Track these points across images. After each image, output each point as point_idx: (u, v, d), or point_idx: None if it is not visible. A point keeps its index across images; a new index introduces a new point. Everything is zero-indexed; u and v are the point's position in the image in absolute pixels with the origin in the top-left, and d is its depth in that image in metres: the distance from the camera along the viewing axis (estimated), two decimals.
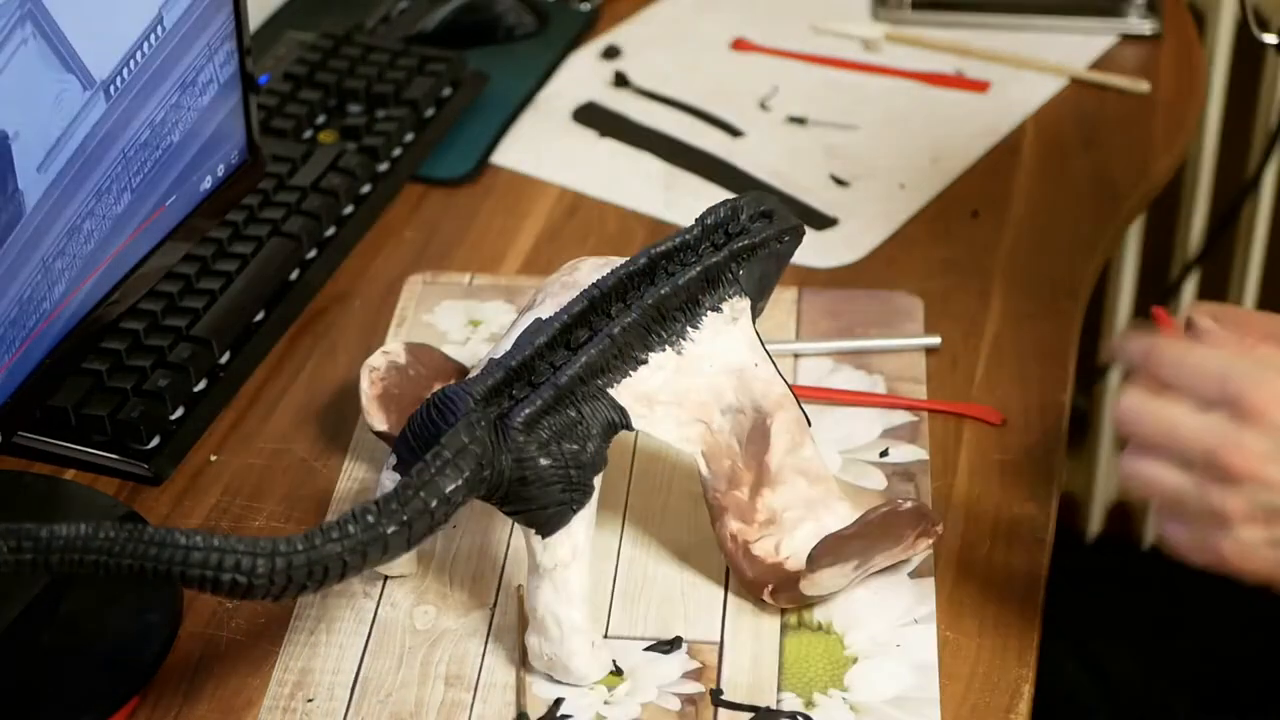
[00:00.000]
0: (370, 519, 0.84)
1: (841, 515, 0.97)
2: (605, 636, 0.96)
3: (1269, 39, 1.32)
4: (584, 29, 1.55)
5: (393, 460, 0.93)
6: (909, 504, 0.98)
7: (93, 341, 1.05)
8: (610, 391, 0.93)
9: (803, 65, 1.51)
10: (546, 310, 0.96)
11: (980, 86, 1.47)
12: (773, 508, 0.97)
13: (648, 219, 1.32)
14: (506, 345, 0.97)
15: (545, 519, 0.91)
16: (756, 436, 0.97)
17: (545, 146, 1.41)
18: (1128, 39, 1.52)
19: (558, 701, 0.93)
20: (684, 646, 0.96)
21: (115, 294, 1.03)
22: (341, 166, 1.30)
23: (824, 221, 1.31)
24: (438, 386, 1.04)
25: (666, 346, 0.96)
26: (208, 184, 1.11)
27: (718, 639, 0.96)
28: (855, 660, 0.95)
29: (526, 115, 1.44)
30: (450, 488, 0.86)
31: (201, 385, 1.13)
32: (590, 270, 1.00)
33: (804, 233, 1.03)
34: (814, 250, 1.25)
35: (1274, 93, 1.80)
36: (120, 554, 0.81)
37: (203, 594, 0.87)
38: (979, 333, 1.18)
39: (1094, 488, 2.09)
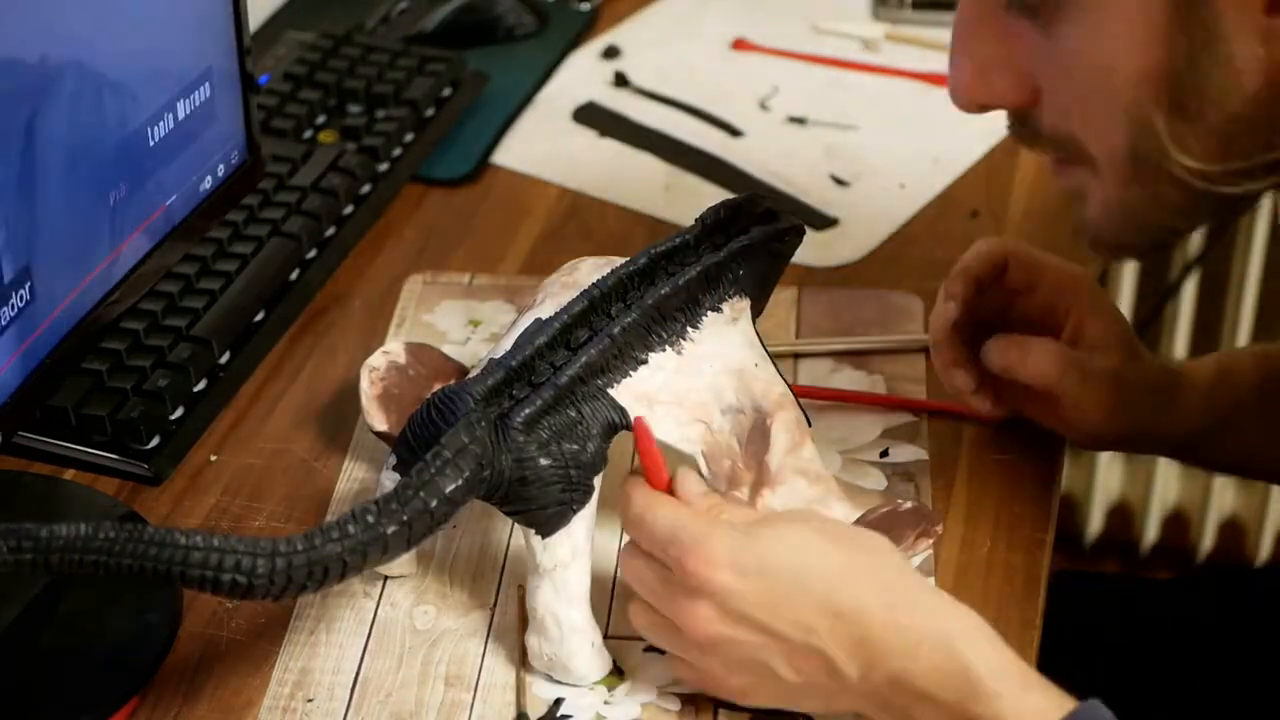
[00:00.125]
0: (370, 519, 0.84)
1: (841, 516, 0.97)
2: (605, 636, 0.96)
3: None
4: (584, 29, 1.55)
5: (393, 460, 0.93)
6: (909, 504, 0.98)
7: (93, 341, 1.05)
8: (610, 391, 0.93)
9: (803, 65, 1.51)
10: (546, 310, 0.96)
11: None
12: (773, 508, 0.96)
13: (648, 219, 1.32)
14: (506, 345, 0.97)
15: (545, 519, 0.91)
16: (756, 436, 0.97)
17: (545, 146, 1.41)
18: None
19: (558, 702, 0.93)
20: None
21: (115, 294, 1.02)
22: (341, 166, 1.30)
23: (824, 221, 1.31)
24: (438, 386, 1.04)
25: (666, 346, 0.96)
26: (208, 184, 1.11)
27: None
28: None
29: (526, 115, 1.44)
30: (450, 488, 0.86)
31: (201, 385, 1.13)
32: (590, 270, 1.00)
33: (804, 233, 1.03)
34: (814, 250, 1.25)
35: None
36: (120, 554, 0.81)
37: (203, 594, 0.87)
38: None
39: (1094, 488, 2.09)
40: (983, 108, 0.91)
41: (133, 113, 1.01)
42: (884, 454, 1.09)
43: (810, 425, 0.99)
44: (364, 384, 1.05)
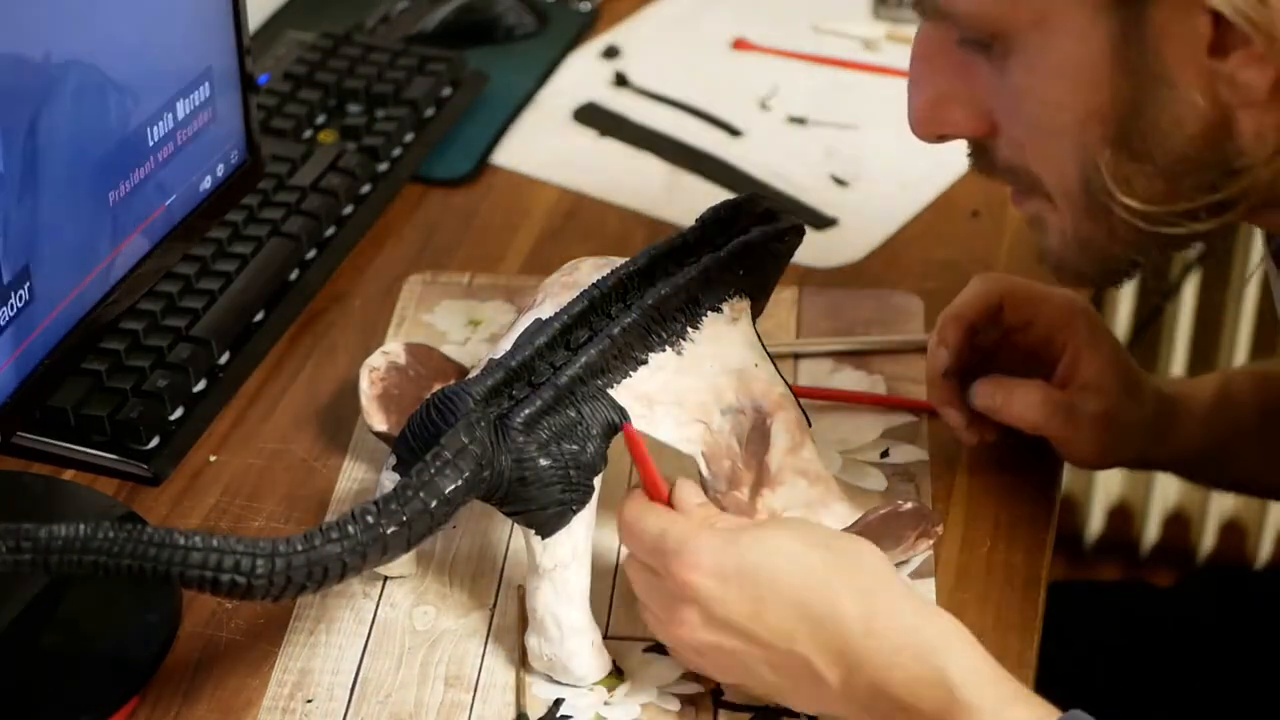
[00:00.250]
0: (370, 519, 0.84)
1: (841, 516, 0.97)
2: (605, 637, 0.96)
3: None
4: (584, 29, 1.55)
5: (393, 460, 0.93)
6: (909, 505, 0.98)
7: (93, 341, 1.05)
8: (610, 392, 0.93)
9: (803, 65, 1.51)
10: (546, 310, 0.96)
11: None
12: (773, 508, 0.96)
13: (648, 219, 1.32)
14: (506, 345, 0.97)
15: (545, 519, 0.91)
16: (756, 437, 0.97)
17: (545, 146, 1.41)
18: None
19: (558, 702, 0.93)
20: None
21: (115, 294, 1.02)
22: (341, 166, 1.30)
23: (824, 221, 1.31)
24: (438, 386, 1.04)
25: (666, 347, 0.96)
26: (207, 184, 1.11)
27: None
28: None
29: (526, 115, 1.44)
30: (450, 488, 0.86)
31: (201, 385, 1.13)
32: (590, 270, 1.00)
33: (804, 233, 1.02)
34: (814, 250, 1.25)
35: None
36: (120, 554, 0.81)
37: (202, 594, 0.87)
38: None
39: (1094, 488, 2.09)
40: (941, 138, 0.92)
41: (133, 112, 1.01)
42: (884, 454, 1.09)
43: (810, 425, 0.99)
44: (364, 384, 1.05)
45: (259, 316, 1.19)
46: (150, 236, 1.05)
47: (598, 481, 0.93)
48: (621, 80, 1.48)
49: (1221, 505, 2.06)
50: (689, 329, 0.97)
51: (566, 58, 1.52)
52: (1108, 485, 2.09)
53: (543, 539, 0.92)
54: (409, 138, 1.37)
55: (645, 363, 0.95)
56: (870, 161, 1.38)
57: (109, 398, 1.08)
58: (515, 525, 0.97)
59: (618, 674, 0.95)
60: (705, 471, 0.96)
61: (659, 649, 0.95)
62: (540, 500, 0.91)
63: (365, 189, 1.31)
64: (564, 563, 0.92)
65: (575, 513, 0.92)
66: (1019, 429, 1.05)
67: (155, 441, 1.09)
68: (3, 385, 0.93)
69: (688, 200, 1.32)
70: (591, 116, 1.44)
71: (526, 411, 0.90)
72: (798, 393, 1.00)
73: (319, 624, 0.98)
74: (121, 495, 1.07)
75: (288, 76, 1.41)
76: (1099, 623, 1.26)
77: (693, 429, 0.96)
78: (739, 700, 0.92)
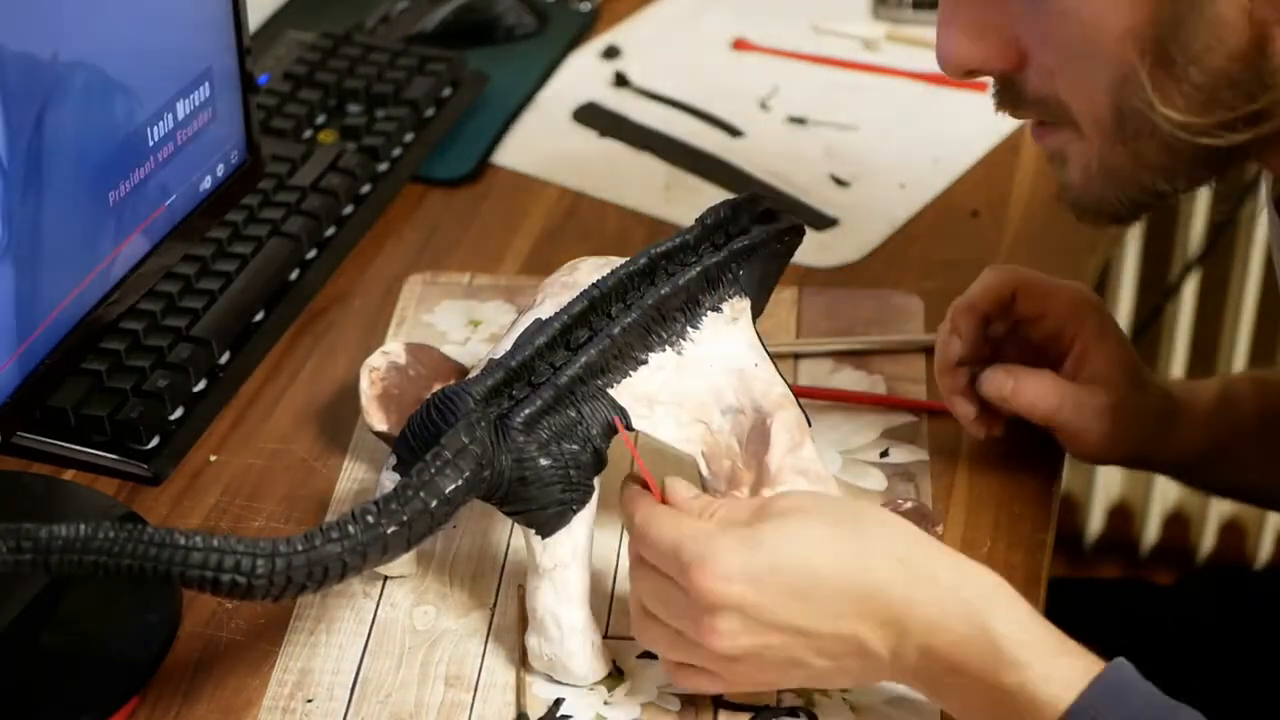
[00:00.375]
0: (370, 519, 0.84)
1: None
2: (605, 637, 0.96)
3: None
4: (584, 29, 1.55)
5: (393, 460, 0.93)
6: (909, 504, 0.98)
7: (93, 341, 1.05)
8: (610, 392, 0.93)
9: (803, 65, 1.51)
10: (546, 310, 0.96)
11: (980, 86, 1.46)
12: None
13: (648, 219, 1.32)
14: (506, 345, 0.97)
15: (545, 519, 0.91)
16: (756, 437, 0.97)
17: (545, 146, 1.41)
18: None
19: (558, 702, 0.93)
20: None
21: (115, 294, 1.02)
22: (341, 166, 1.30)
23: (824, 221, 1.31)
24: (438, 386, 1.04)
25: (666, 347, 0.96)
26: (207, 184, 1.11)
27: None
28: None
29: (526, 115, 1.44)
30: (450, 488, 0.86)
31: (201, 385, 1.13)
32: (590, 270, 1.00)
33: (804, 233, 1.03)
34: (814, 250, 1.25)
35: None
36: (120, 554, 0.81)
37: (203, 594, 0.87)
38: None
39: (1094, 488, 2.09)
40: (969, 73, 0.92)
41: (133, 112, 1.01)
42: (884, 454, 1.09)
43: (810, 425, 0.99)
44: (364, 384, 1.05)
45: (259, 316, 1.19)
46: (150, 236, 1.05)
47: (598, 481, 0.93)
48: (621, 80, 1.48)
49: (1221, 505, 2.06)
50: (689, 329, 0.97)
51: (566, 58, 1.52)
52: (1108, 485, 2.09)
53: (543, 539, 0.92)
54: (409, 138, 1.37)
55: (645, 363, 0.95)
56: (870, 161, 1.38)
57: (109, 398, 1.09)
58: (515, 525, 0.97)
59: (618, 674, 0.95)
60: (705, 471, 0.96)
61: (653, 655, 0.95)
62: (540, 500, 0.91)
63: (365, 189, 1.31)
64: (564, 563, 0.92)
65: (575, 512, 0.92)
66: (1027, 419, 1.05)
67: (155, 441, 1.09)
68: (3, 385, 0.93)
69: (688, 200, 1.32)
70: (591, 116, 1.44)
71: (527, 411, 0.90)
72: (798, 393, 1.00)
73: (319, 624, 0.98)
74: (122, 495, 1.07)
75: (288, 76, 1.41)
76: (1098, 621, 1.25)
77: (693, 429, 0.96)
78: (739, 700, 0.92)
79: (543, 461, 0.90)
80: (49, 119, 0.93)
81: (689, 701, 0.93)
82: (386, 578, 1.01)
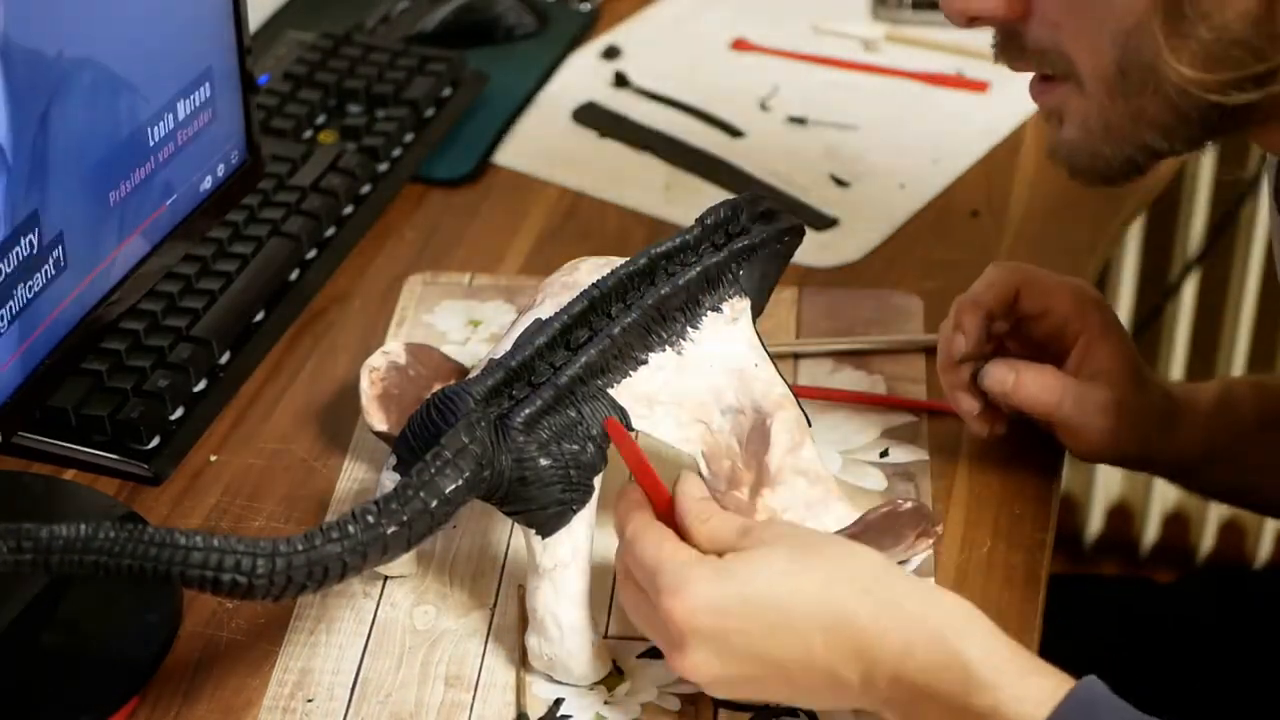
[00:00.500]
0: (370, 519, 0.84)
1: (841, 516, 0.97)
2: (605, 637, 0.96)
3: None
4: (584, 29, 1.55)
5: (393, 460, 0.93)
6: (909, 504, 0.98)
7: (93, 341, 1.05)
8: (610, 392, 0.93)
9: (803, 65, 1.51)
10: (546, 310, 0.96)
11: (980, 86, 1.47)
12: (772, 508, 0.96)
13: (648, 219, 1.32)
14: (506, 345, 0.97)
15: (545, 519, 0.91)
16: (756, 437, 0.97)
17: (545, 146, 1.41)
18: None
19: (558, 702, 0.93)
20: None
21: (115, 294, 1.03)
22: (341, 166, 1.30)
23: (824, 221, 1.31)
24: (438, 386, 1.04)
25: (666, 347, 0.96)
26: (208, 184, 1.11)
27: None
28: None
29: (526, 115, 1.45)
30: (450, 488, 0.86)
31: (201, 385, 1.13)
32: (590, 270, 1.00)
33: (804, 233, 1.03)
34: (814, 250, 1.25)
35: None
36: (120, 554, 0.81)
37: (203, 594, 0.87)
38: None
39: (1094, 488, 2.09)
40: (973, 21, 0.92)
41: (134, 112, 1.01)
42: (884, 454, 1.09)
43: (810, 425, 0.99)
44: (364, 384, 1.05)
45: (259, 316, 1.19)
46: (151, 236, 1.06)
47: (598, 481, 0.93)
48: (621, 80, 1.48)
49: (1221, 506, 2.06)
50: (689, 329, 0.97)
51: (566, 58, 1.52)
52: (1108, 485, 2.09)
53: (543, 539, 0.92)
54: (409, 138, 1.37)
55: (645, 363, 0.95)
56: (870, 161, 1.38)
57: (110, 398, 1.09)
58: (515, 525, 0.97)
59: (618, 674, 0.95)
60: (705, 471, 0.96)
61: (655, 653, 0.95)
62: (540, 500, 0.91)
63: (365, 189, 1.31)
64: (564, 563, 0.92)
65: (575, 512, 0.92)
66: (1029, 413, 1.05)
67: (156, 441, 1.09)
68: (4, 385, 0.93)
69: (688, 200, 1.32)
70: (591, 116, 1.44)
71: (527, 411, 0.90)
72: (798, 393, 1.00)
73: (319, 624, 0.98)
74: (122, 495, 1.07)
75: (288, 76, 1.41)
76: (1098, 618, 1.26)
77: (693, 429, 0.96)
78: (740, 699, 0.92)
79: (543, 461, 0.90)
80: (54, 117, 0.93)
81: (689, 701, 0.93)
82: (386, 578, 1.01)
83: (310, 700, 0.94)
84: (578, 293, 0.95)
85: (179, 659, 0.96)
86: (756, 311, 1.00)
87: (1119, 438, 1.05)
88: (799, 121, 1.43)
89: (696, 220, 0.99)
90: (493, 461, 0.89)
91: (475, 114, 1.43)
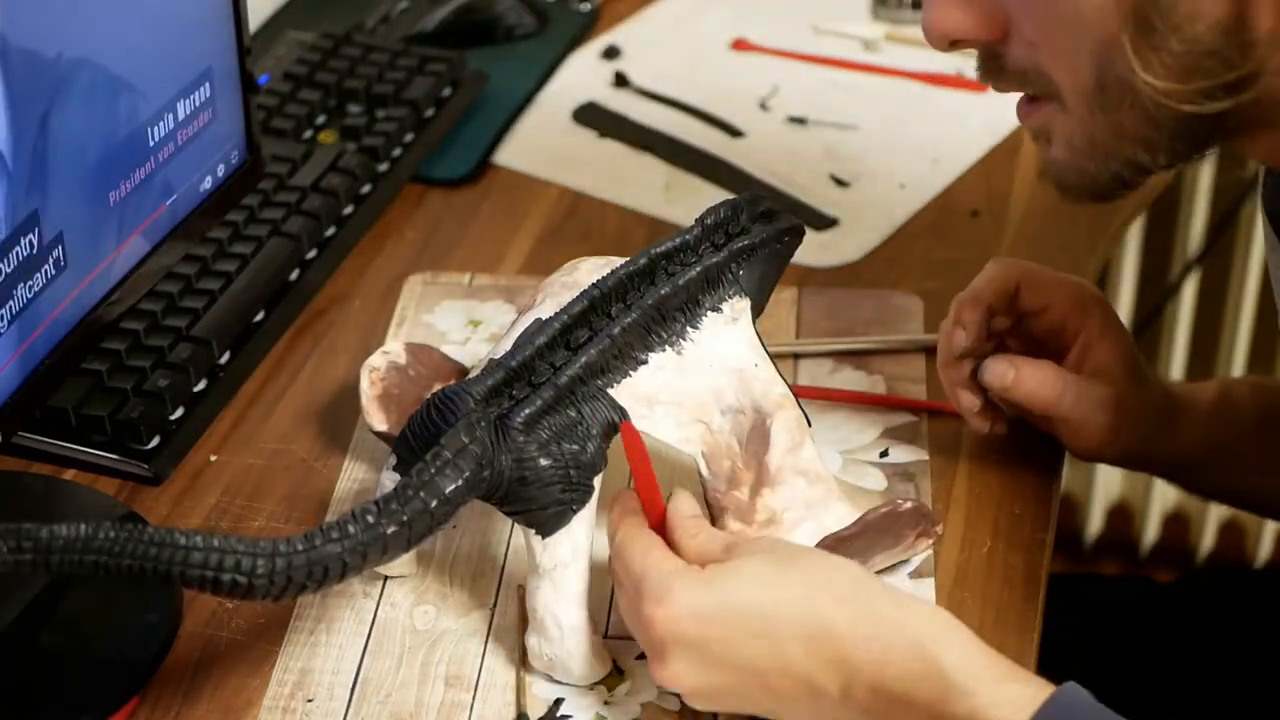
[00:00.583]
0: (370, 519, 0.84)
1: (841, 515, 0.97)
2: (605, 637, 0.96)
3: None
4: (584, 29, 1.55)
5: (393, 460, 0.93)
6: (909, 504, 0.98)
7: (93, 341, 1.05)
8: (610, 392, 0.93)
9: (803, 65, 1.51)
10: (546, 310, 0.96)
11: (980, 86, 1.45)
12: (772, 508, 0.96)
13: (648, 219, 1.32)
14: (506, 345, 0.97)
15: (545, 519, 0.91)
16: (756, 437, 0.97)
17: (545, 146, 1.41)
18: None
19: (558, 702, 0.93)
20: None
21: (115, 294, 1.03)
22: (341, 166, 1.30)
23: (824, 221, 1.31)
24: (438, 386, 1.04)
25: (666, 347, 0.96)
26: (208, 184, 1.11)
27: None
28: None
29: (526, 115, 1.45)
30: (450, 488, 0.86)
31: (201, 385, 1.13)
32: (590, 270, 1.00)
33: (804, 233, 1.03)
34: (814, 250, 1.25)
35: None
36: (120, 554, 0.81)
37: (203, 594, 0.87)
38: None
39: (1094, 488, 2.09)
40: (954, 44, 0.93)
41: (134, 112, 1.01)
42: (884, 454, 1.09)
43: (810, 425, 0.99)
44: (364, 384, 1.05)
45: (259, 316, 1.19)
46: (151, 236, 1.06)
47: (598, 481, 0.93)
48: (621, 80, 1.48)
49: (1221, 506, 2.06)
50: (689, 329, 0.97)
51: (566, 58, 1.52)
52: (1108, 485, 2.09)
53: (543, 539, 0.92)
54: (409, 138, 1.37)
55: (645, 363, 0.95)
56: (870, 161, 1.38)
57: (109, 398, 1.09)
58: (515, 525, 0.97)
59: (618, 674, 0.95)
60: (705, 471, 0.96)
61: None
62: (540, 500, 0.91)
63: (365, 189, 1.31)
64: (564, 563, 0.92)
65: (575, 512, 0.92)
66: (1029, 409, 1.05)
67: (156, 441, 1.09)
68: (4, 385, 0.93)
69: (688, 200, 1.32)
70: (591, 116, 1.44)
71: (527, 411, 0.90)
72: (798, 393, 1.00)
73: (319, 624, 0.98)
74: (122, 495, 1.07)
75: (288, 76, 1.41)
76: (1098, 618, 1.26)
77: (693, 429, 0.96)
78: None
79: (543, 461, 0.90)
80: (54, 117, 0.93)
81: None
82: (386, 578, 1.01)
83: (310, 700, 0.94)
84: (578, 293, 0.95)
85: (179, 659, 0.96)
86: (756, 311, 1.00)
87: (1118, 434, 1.05)
88: (799, 121, 1.43)
89: (696, 220, 0.99)
90: (493, 461, 0.89)
91: (475, 114, 1.43)
